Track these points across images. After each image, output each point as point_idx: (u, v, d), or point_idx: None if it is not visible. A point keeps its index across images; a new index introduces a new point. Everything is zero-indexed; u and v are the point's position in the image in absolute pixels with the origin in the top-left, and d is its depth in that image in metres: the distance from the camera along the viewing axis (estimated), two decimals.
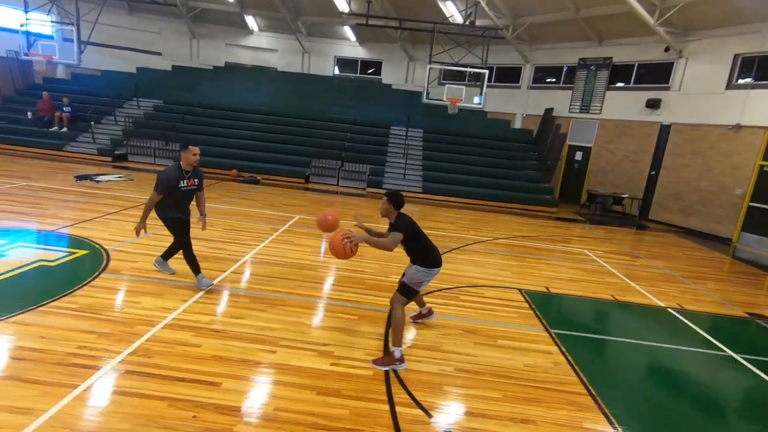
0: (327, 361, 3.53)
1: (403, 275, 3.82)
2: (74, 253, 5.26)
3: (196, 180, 4.53)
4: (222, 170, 12.68)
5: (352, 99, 16.98)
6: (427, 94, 13.64)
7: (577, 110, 14.93)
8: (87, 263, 5.02)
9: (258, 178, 12.33)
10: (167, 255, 4.84)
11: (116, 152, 13.00)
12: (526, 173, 14.02)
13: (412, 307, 4.35)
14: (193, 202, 4.67)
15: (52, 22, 14.55)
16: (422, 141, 14.71)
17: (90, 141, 13.31)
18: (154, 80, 17.05)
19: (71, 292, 4.19)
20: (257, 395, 3.04)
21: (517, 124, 16.61)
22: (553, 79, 16.05)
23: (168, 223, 4.52)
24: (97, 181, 9.78)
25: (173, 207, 4.43)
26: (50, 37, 14.73)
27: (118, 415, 2.67)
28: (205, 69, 18.49)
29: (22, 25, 13.36)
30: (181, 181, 4.38)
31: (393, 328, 3.61)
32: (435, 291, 5.26)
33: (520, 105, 16.52)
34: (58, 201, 7.68)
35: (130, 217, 7.01)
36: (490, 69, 14.95)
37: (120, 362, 3.19)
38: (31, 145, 12.84)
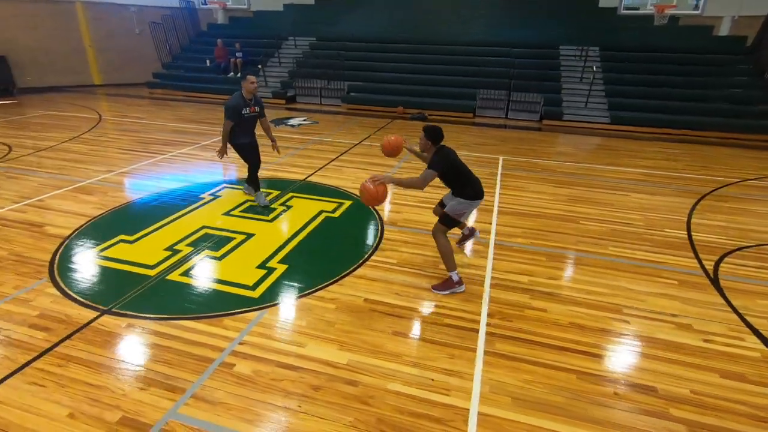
0: (695, 336, 3.22)
1: (442, 205, 3.83)
2: (341, 203, 5.56)
3: (257, 107, 5.07)
4: (387, 107, 12.59)
5: (506, 17, 15.24)
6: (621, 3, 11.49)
7: None
8: (360, 214, 5.27)
9: (425, 114, 12.00)
10: (254, 184, 5.39)
11: (288, 94, 13.60)
12: (737, 93, 11.50)
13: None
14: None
15: None
16: (600, 61, 12.77)
17: (262, 85, 14.07)
18: (302, 17, 17.09)
19: (377, 248, 4.41)
20: (656, 374, 2.85)
21: (724, 31, 13.46)
22: None
23: (237, 148, 5.19)
24: (292, 125, 10.35)
25: (240, 133, 5.05)
26: None
27: (538, 385, 2.71)
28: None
29: None
30: (244, 108, 4.93)
31: (442, 255, 3.66)
32: (734, 251, 4.56)
33: (732, 3, 13.21)
34: (280, 148, 8.21)
35: (355, 165, 7.25)
36: None
37: (487, 325, 3.26)
38: (214, 91, 13.99)
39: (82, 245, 4.24)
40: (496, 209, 5.50)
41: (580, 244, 4.64)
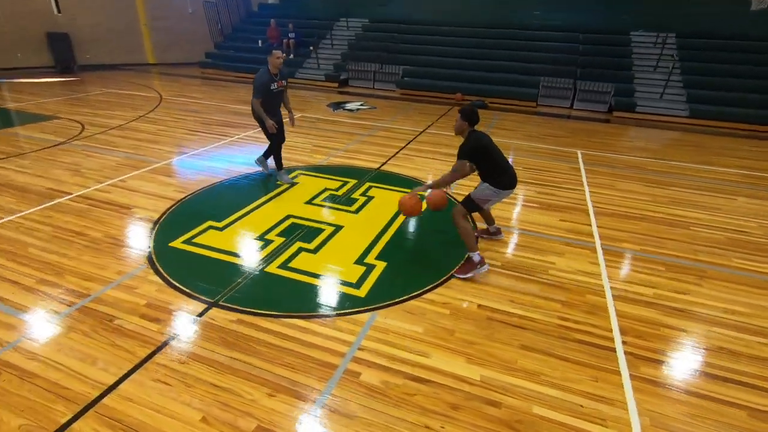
0: None
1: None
2: (422, 195, 5.27)
3: (284, 82, 5.02)
4: (444, 93, 12.14)
5: (572, 0, 14.36)
6: None
7: None
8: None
9: (485, 102, 11.50)
10: (277, 162, 5.44)
11: (341, 77, 13.33)
12: None
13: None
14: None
15: None
16: (677, 48, 11.84)
17: (314, 67, 13.86)
18: None
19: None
20: None
21: None
22: None
23: (262, 125, 5.05)
24: (350, 110, 10.10)
25: (267, 109, 4.93)
26: None
27: (706, 422, 2.39)
28: None
29: None
30: (272, 84, 4.88)
31: (463, 236, 3.58)
32: None
33: None
34: (344, 134, 8.01)
35: (424, 153, 6.95)
36: None
37: (623, 343, 2.94)
38: None
39: (173, 230, 4.15)
40: (591, 209, 5.10)
41: (699, 253, 4.21)
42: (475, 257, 3.53)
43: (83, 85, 11.90)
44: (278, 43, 14.44)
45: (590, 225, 4.68)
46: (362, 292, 3.35)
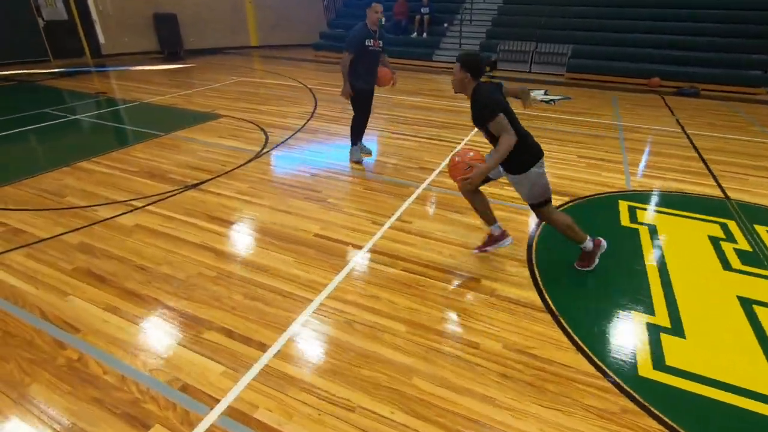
0: None
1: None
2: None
3: (381, 42, 4.32)
4: (633, 78, 9.84)
5: None
6: None
7: None
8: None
9: (697, 88, 9.13)
10: (357, 137, 4.76)
11: (491, 59, 11.26)
12: None
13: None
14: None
15: None
16: None
17: (454, 47, 11.83)
18: None
19: None
20: None
21: None
22: None
23: (354, 95, 4.43)
24: (545, 101, 8.08)
25: (362, 72, 4.34)
26: None
27: None
28: None
29: None
30: (367, 40, 4.21)
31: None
32: None
33: None
34: (589, 137, 6.02)
35: (743, 169, 4.88)
36: None
37: None
38: (393, 55, 12.01)
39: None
40: None
41: None
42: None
43: (205, 72, 10.44)
44: (406, 20, 12.49)
45: None
46: None
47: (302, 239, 3.25)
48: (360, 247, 3.16)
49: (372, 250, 3.13)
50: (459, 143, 5.57)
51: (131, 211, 3.62)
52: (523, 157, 2.59)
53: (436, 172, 4.62)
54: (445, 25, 12.27)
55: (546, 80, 10.26)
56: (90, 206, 3.68)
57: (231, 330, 2.34)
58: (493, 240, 2.99)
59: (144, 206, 3.69)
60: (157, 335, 2.30)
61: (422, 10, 12.17)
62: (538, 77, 10.62)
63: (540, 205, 2.76)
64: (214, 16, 13.79)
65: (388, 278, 2.82)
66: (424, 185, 4.27)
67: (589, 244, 2.84)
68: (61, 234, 3.23)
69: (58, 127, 5.96)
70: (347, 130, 4.82)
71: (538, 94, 8.58)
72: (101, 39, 11.98)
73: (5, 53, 10.27)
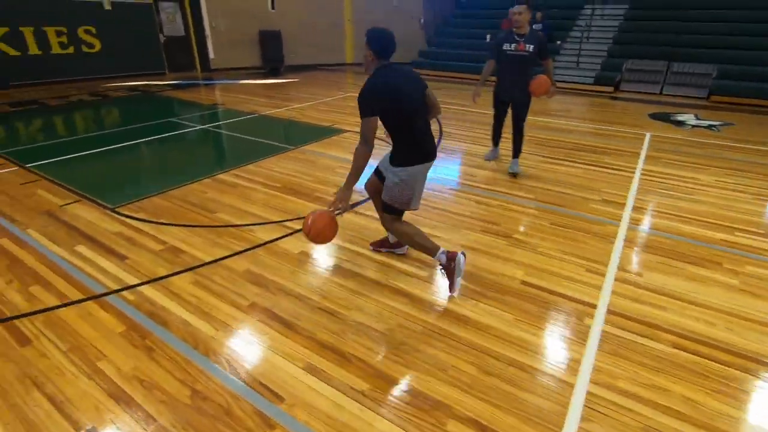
0: None
1: (378, 175, 2.64)
2: None
3: (529, 46, 3.93)
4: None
5: None
6: None
7: None
8: None
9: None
10: (516, 152, 4.46)
11: (616, 79, 10.19)
12: None
13: None
14: None
15: None
16: None
17: (571, 66, 10.92)
18: None
19: None
20: None
21: None
22: None
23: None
24: (695, 127, 6.93)
25: (501, 76, 4.23)
26: None
27: None
28: None
29: None
30: (506, 44, 3.99)
31: (411, 244, 2.53)
32: None
33: None
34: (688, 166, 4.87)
35: None
36: None
37: None
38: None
39: None
40: None
41: None
42: (442, 258, 2.40)
43: (308, 87, 10.38)
44: None
45: None
46: None
47: (508, 288, 2.57)
48: (593, 306, 2.42)
49: (612, 311, 2.37)
50: (632, 171, 4.69)
51: (291, 234, 3.16)
52: (405, 148, 2.38)
53: (629, 207, 3.78)
54: (558, 42, 11.39)
55: (684, 103, 9.01)
56: (245, 225, 3.28)
57: (482, 424, 1.68)
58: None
59: (300, 229, 3.24)
60: (389, 417, 1.70)
61: (534, 26, 11.38)
62: (674, 99, 9.38)
63: (387, 207, 2.49)
64: (314, 33, 13.97)
65: (658, 357, 2.05)
66: (624, 224, 3.45)
67: (443, 256, 2.42)
68: (224, 258, 2.82)
69: (188, 136, 5.88)
70: (483, 150, 4.41)
71: (688, 118, 7.43)
72: (211, 54, 12.47)
73: (133, 66, 10.91)
